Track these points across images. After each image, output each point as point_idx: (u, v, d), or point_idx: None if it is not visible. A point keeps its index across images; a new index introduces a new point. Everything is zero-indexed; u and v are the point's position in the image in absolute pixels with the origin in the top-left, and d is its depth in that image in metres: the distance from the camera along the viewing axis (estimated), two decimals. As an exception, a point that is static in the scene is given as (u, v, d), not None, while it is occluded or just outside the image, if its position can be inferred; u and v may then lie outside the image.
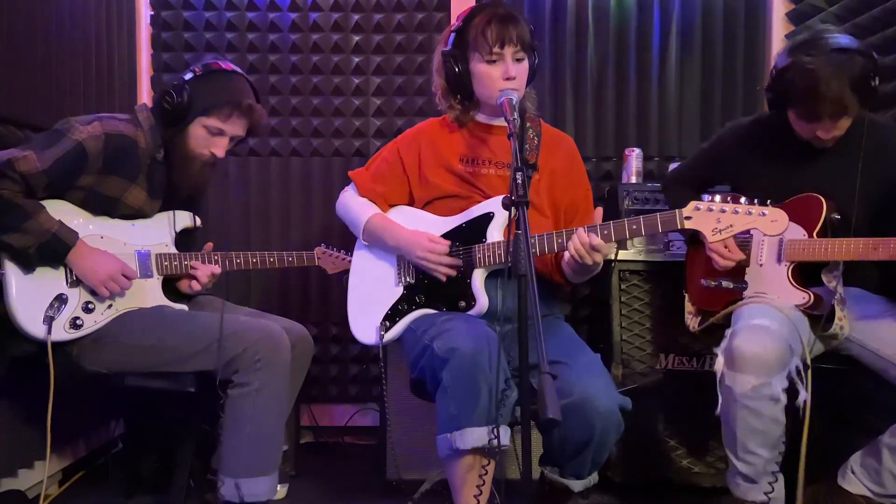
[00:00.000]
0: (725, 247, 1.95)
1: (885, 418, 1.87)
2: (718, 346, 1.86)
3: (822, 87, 1.78)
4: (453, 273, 1.87)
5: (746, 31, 3.01)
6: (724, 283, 2.02)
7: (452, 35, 1.91)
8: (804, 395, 1.76)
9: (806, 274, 1.93)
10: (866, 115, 1.92)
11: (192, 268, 2.04)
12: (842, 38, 1.82)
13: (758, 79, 3.00)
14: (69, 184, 1.88)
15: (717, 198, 1.64)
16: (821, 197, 1.91)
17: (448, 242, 1.88)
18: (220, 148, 2.00)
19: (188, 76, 1.96)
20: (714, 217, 1.63)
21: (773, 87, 1.91)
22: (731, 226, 1.62)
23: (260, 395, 1.87)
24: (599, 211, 1.78)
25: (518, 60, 1.85)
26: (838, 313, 1.86)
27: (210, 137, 1.98)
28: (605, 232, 1.72)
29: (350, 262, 2.15)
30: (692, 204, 1.65)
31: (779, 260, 1.94)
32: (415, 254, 1.89)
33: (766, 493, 1.81)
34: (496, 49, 1.83)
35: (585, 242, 1.70)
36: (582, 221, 1.94)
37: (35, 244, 1.80)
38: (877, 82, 1.81)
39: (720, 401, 1.83)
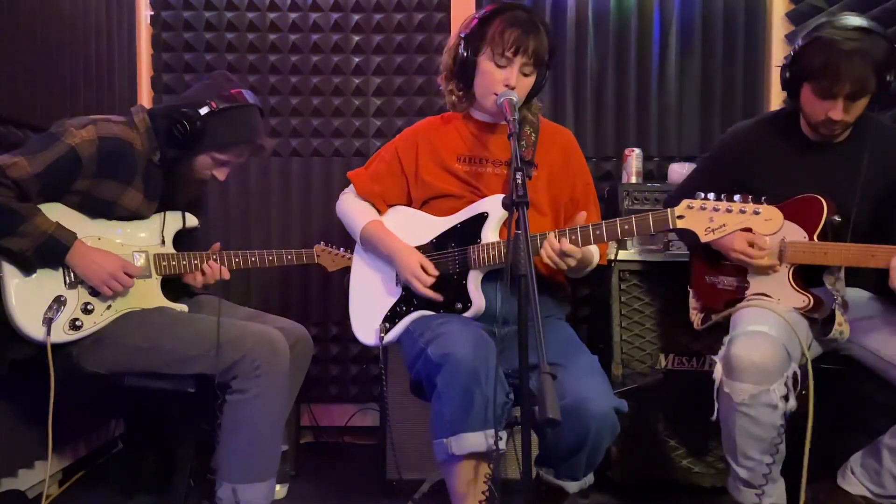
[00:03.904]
0: (751, 244, 1.92)
1: (886, 419, 1.87)
2: (717, 354, 1.85)
3: (843, 60, 1.76)
4: (437, 300, 1.87)
5: (746, 31, 3.00)
6: (727, 281, 2.01)
7: (475, 21, 1.88)
8: (793, 404, 1.75)
9: (807, 275, 1.93)
10: (873, 115, 1.92)
11: (205, 265, 2.05)
12: (866, 22, 1.80)
13: (758, 79, 3.00)
14: (64, 188, 1.87)
15: (711, 196, 1.59)
16: (821, 198, 1.89)
17: (436, 273, 1.87)
18: (222, 173, 2.03)
19: (204, 111, 1.89)
20: (707, 216, 1.59)
21: (792, 63, 1.88)
22: (724, 225, 1.58)
23: (258, 401, 1.87)
24: (583, 214, 1.76)
25: (525, 75, 1.84)
26: (838, 318, 1.85)
27: (215, 165, 2.00)
28: (598, 233, 1.71)
29: (350, 258, 2.15)
30: (684, 202, 1.61)
31: (779, 261, 1.94)
32: (403, 274, 1.90)
33: (760, 487, 1.81)
34: (508, 54, 1.81)
35: (556, 248, 1.69)
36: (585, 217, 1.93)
37: (32, 247, 1.79)
38: (893, 76, 1.80)
39: (717, 407, 1.83)
